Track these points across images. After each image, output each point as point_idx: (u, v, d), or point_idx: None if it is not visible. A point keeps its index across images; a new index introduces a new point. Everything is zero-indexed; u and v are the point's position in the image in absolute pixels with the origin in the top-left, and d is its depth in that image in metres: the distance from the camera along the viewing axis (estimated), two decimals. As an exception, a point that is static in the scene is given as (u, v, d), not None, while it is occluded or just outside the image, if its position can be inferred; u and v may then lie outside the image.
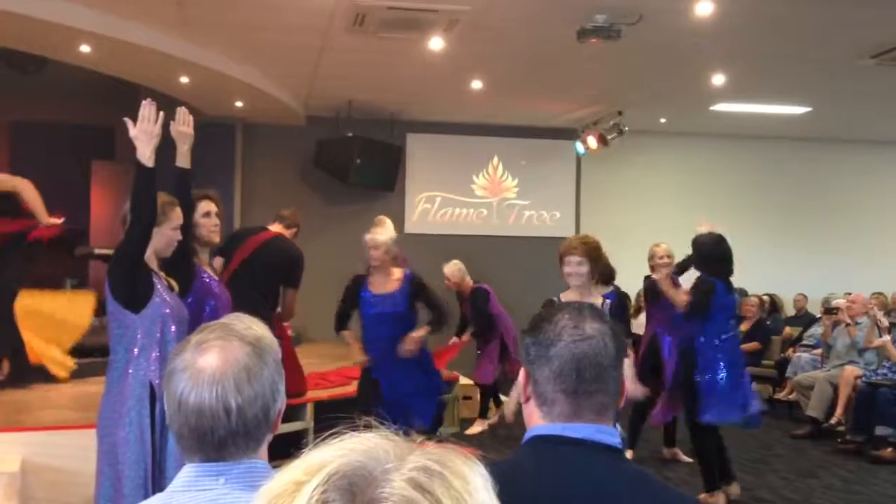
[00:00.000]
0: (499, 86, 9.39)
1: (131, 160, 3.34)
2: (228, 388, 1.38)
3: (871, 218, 12.70)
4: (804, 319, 10.66)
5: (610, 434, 1.52)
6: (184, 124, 3.70)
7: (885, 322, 7.96)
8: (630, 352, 4.58)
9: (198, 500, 1.35)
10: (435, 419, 5.69)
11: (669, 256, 6.53)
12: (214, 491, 1.37)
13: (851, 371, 7.81)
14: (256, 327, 1.47)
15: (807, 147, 12.49)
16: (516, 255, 11.12)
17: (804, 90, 9.59)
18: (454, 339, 8.15)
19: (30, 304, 6.00)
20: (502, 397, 8.51)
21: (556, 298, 4.28)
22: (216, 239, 4.21)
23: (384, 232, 5.47)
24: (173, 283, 3.53)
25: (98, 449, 3.27)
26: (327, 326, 5.78)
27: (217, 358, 1.39)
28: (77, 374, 6.67)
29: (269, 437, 1.46)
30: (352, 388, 6.28)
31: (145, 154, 3.28)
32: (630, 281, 7.32)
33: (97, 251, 7.95)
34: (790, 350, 9.73)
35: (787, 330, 10.53)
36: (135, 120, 3.29)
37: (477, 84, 9.28)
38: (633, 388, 4.56)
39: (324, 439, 0.78)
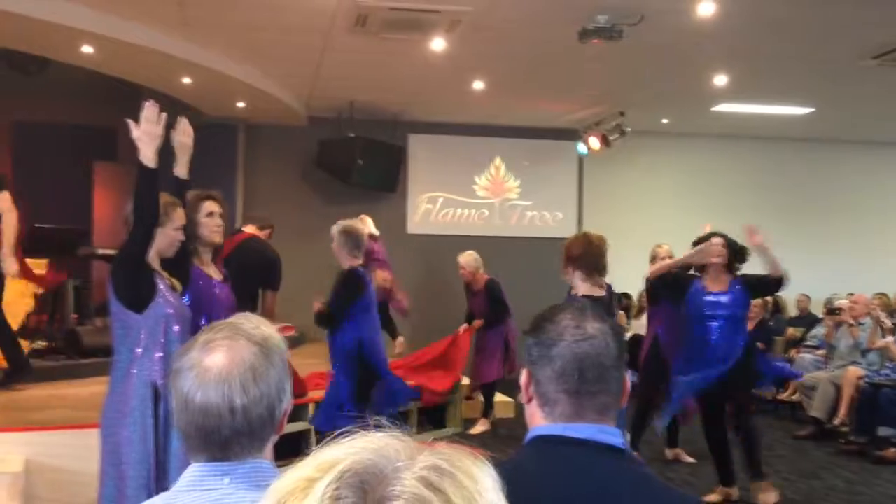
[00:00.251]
0: (501, 86, 9.38)
1: (133, 161, 3.35)
2: (234, 387, 1.38)
3: (874, 218, 12.69)
4: (807, 320, 10.65)
5: (612, 434, 1.52)
6: (184, 135, 3.71)
7: (887, 323, 7.97)
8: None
9: (202, 499, 1.35)
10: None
11: (671, 257, 6.52)
12: (219, 491, 1.37)
13: (854, 372, 7.80)
14: (264, 327, 1.47)
15: (809, 148, 12.48)
16: (518, 256, 11.11)
17: (806, 91, 9.58)
18: (464, 326, 8.16)
19: None
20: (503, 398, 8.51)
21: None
22: (218, 239, 4.21)
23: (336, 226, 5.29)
24: (176, 283, 3.53)
25: (101, 449, 3.28)
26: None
27: (224, 357, 1.40)
28: (80, 374, 6.69)
29: (274, 438, 1.46)
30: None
31: (148, 155, 3.29)
32: (631, 281, 7.31)
33: (100, 252, 7.95)
34: (793, 351, 9.72)
35: (790, 331, 10.52)
36: (137, 121, 3.30)
37: (479, 84, 9.28)
38: None
39: (333, 438, 0.78)
